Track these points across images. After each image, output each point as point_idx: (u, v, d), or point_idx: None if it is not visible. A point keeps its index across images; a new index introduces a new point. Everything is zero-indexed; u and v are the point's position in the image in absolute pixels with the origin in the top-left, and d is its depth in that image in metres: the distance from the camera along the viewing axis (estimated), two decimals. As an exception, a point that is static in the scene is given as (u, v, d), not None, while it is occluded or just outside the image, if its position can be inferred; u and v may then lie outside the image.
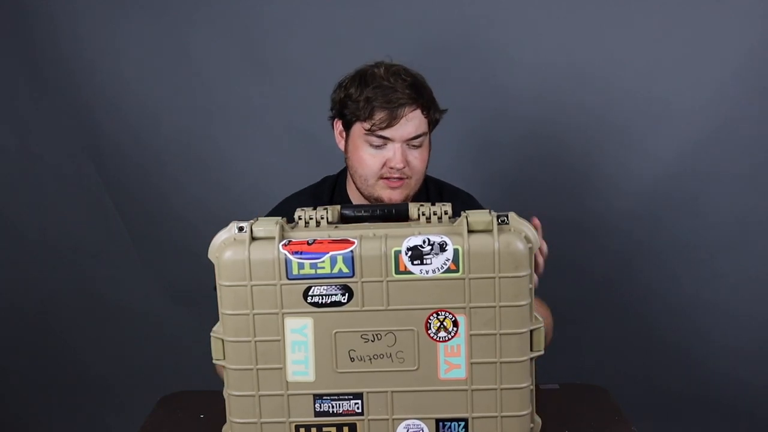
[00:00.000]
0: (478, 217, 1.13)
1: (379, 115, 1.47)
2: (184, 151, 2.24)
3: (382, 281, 1.12)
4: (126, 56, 2.19)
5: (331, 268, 1.12)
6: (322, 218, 1.18)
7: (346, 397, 1.16)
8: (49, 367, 2.41)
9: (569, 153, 2.15)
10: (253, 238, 1.14)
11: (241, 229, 1.14)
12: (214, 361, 1.17)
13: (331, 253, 1.12)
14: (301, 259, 1.12)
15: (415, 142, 1.50)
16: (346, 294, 1.13)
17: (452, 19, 2.11)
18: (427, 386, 1.16)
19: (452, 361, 1.15)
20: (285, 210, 1.56)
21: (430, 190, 1.65)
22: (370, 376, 1.15)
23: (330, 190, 1.63)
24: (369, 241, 1.12)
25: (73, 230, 2.32)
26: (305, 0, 2.13)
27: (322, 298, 1.13)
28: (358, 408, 1.17)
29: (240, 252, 1.12)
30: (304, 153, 2.16)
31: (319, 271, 1.12)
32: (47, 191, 2.30)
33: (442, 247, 1.11)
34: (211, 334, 1.17)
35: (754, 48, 2.02)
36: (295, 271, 1.12)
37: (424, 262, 1.12)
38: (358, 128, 1.51)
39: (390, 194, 1.51)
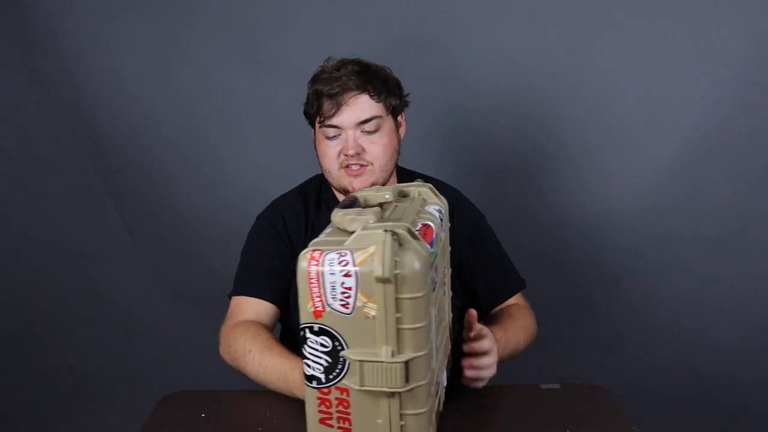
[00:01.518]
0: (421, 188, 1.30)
1: (326, 105, 1.48)
2: (184, 151, 2.24)
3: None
4: (125, 57, 2.19)
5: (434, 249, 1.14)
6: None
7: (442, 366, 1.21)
8: (49, 367, 2.42)
9: (569, 154, 2.16)
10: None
11: (394, 234, 1.03)
12: (365, 387, 1.03)
13: (433, 236, 1.13)
14: (433, 249, 1.12)
15: (368, 126, 1.49)
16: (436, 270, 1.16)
17: (449, 17, 2.11)
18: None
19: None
20: (278, 211, 1.59)
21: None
22: (439, 338, 1.20)
23: (317, 188, 1.64)
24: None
25: (73, 230, 2.32)
26: (303, 0, 2.14)
27: (433, 280, 1.13)
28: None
29: (419, 257, 1.03)
30: (303, 153, 2.15)
31: (431, 256, 1.11)
32: (47, 191, 2.30)
33: (441, 213, 1.25)
34: (384, 362, 1.02)
35: (754, 48, 2.02)
36: (431, 261, 1.09)
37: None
38: (317, 124, 1.53)
39: (351, 182, 1.51)
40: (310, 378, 1.05)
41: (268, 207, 1.62)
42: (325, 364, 1.04)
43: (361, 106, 1.49)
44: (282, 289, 1.53)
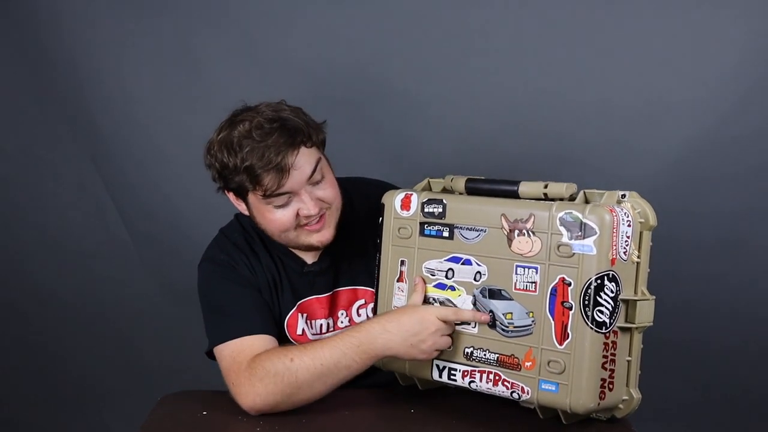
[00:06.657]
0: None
1: (267, 179, 1.35)
2: (185, 150, 2.24)
3: None
4: (126, 56, 2.19)
5: None
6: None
7: None
8: (48, 367, 2.42)
9: (567, 155, 2.15)
10: None
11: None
12: None
13: None
14: None
15: (316, 176, 1.40)
16: None
17: (449, 16, 2.11)
18: None
19: None
20: (226, 262, 1.48)
21: (354, 203, 1.54)
22: None
23: (258, 238, 1.51)
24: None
25: (73, 230, 2.32)
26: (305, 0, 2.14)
27: None
28: None
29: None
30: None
31: None
32: (47, 191, 2.31)
33: None
34: (649, 299, 1.26)
35: (753, 47, 2.02)
36: None
37: None
38: (253, 197, 1.41)
39: (319, 238, 1.43)
40: (600, 324, 1.22)
41: (214, 261, 1.51)
42: (610, 308, 1.22)
43: (305, 162, 1.37)
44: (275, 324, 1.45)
